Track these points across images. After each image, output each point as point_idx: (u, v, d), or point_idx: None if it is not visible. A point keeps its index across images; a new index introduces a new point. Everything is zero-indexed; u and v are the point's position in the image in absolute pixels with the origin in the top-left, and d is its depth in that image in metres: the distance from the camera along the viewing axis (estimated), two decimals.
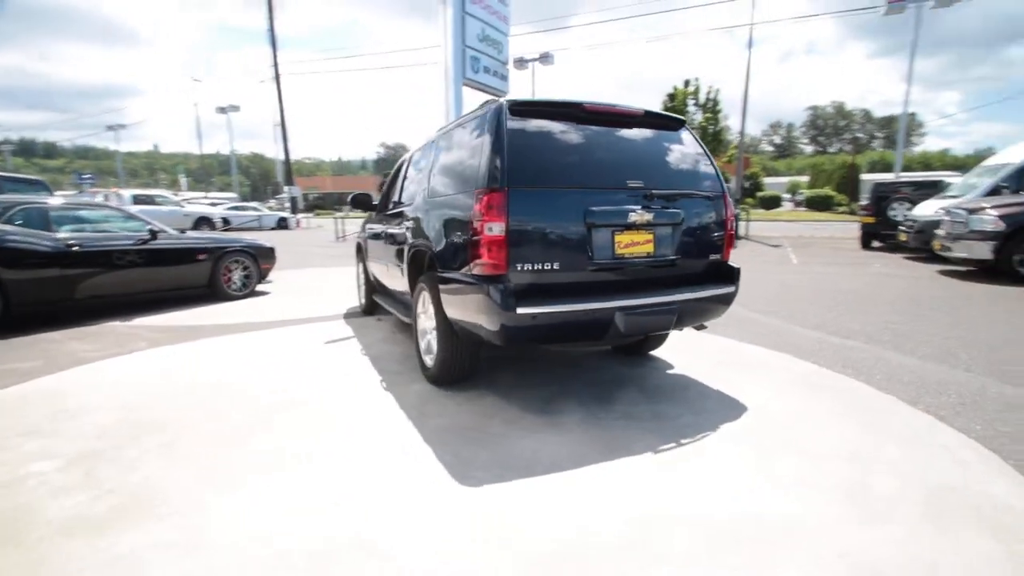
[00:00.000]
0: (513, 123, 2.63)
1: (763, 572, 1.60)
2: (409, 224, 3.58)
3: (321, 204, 52.31)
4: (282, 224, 25.75)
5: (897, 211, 11.44)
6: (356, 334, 4.75)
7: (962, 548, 1.71)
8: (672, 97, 30.84)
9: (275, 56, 26.55)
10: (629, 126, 2.98)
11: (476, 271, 2.57)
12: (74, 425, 2.71)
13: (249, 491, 2.07)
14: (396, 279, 4.12)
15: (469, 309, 2.68)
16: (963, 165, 42.80)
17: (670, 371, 3.61)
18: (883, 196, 12.00)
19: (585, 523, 1.86)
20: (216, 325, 5.19)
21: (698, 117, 30.20)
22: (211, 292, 6.56)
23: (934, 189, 11.16)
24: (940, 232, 8.25)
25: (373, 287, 5.35)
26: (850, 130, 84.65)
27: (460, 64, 15.50)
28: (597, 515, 1.91)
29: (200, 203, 25.09)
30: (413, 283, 3.63)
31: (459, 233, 2.75)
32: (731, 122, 30.99)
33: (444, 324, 3.00)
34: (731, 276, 3.08)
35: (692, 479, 2.16)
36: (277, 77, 26.57)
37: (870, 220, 12.19)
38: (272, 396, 3.15)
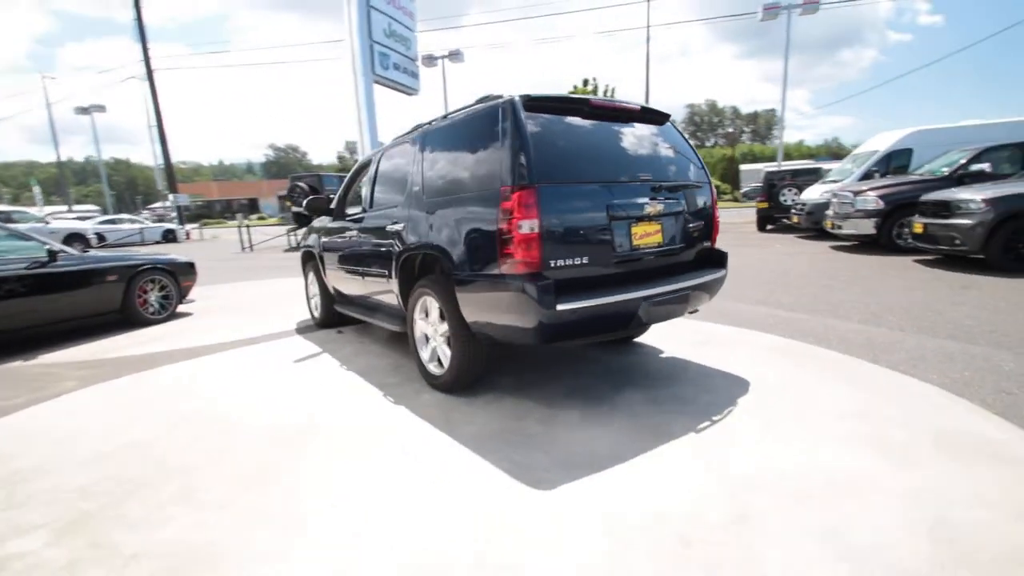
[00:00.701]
0: (530, 118, 2.59)
1: (857, 518, 1.74)
2: (396, 228, 3.38)
3: (207, 213, 47.64)
4: (169, 237, 23.11)
5: (787, 196, 12.88)
6: (324, 350, 4.41)
7: (987, 477, 1.99)
8: None
9: (145, 50, 23.65)
10: (628, 121, 3.06)
11: (507, 270, 2.50)
12: (40, 488, 2.23)
13: (322, 538, 1.84)
14: (376, 286, 3.88)
15: (498, 309, 2.61)
16: (815, 154, 49.37)
17: (662, 355, 3.78)
18: (773, 184, 13.45)
19: (686, 501, 1.90)
20: (150, 355, 4.54)
21: None
22: (124, 318, 5.73)
23: (815, 176, 12.74)
24: (829, 213, 9.43)
25: (332, 298, 4.99)
26: (723, 126, 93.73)
27: (368, 60, 14.89)
28: (691, 493, 1.96)
29: (65, 218, 21.73)
30: (406, 289, 3.44)
31: (481, 232, 2.65)
32: None
33: (460, 328, 2.88)
34: (722, 260, 3.29)
35: (742, 450, 2.28)
36: (150, 73, 23.69)
37: (764, 205, 13.61)
38: (274, 425, 2.83)
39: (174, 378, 3.84)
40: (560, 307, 2.42)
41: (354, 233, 4.12)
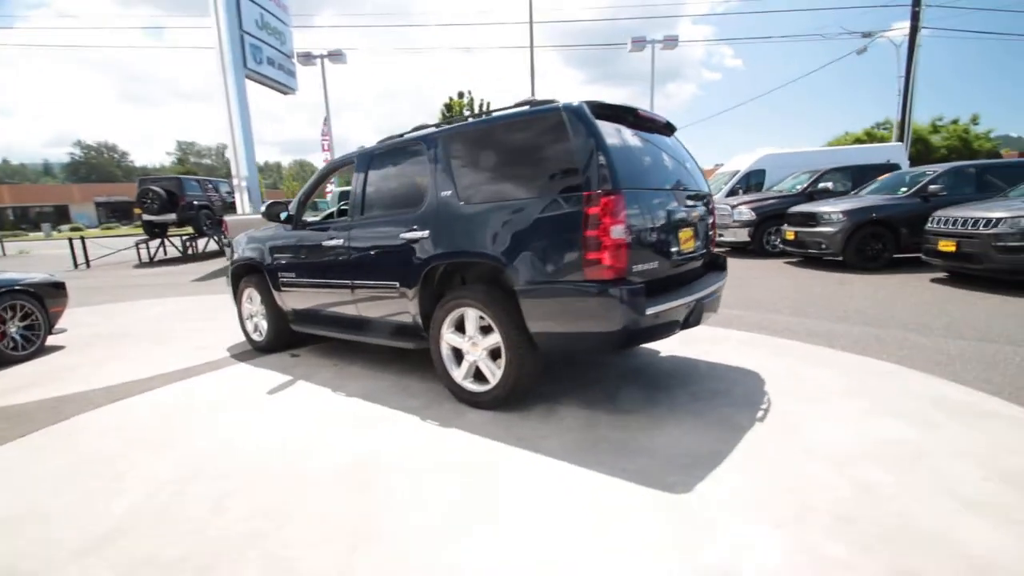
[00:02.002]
0: (601, 124, 2.59)
1: (931, 470, 2.05)
2: (416, 236, 3.10)
3: None
4: None
5: None
6: (293, 376, 3.84)
7: (996, 429, 2.48)
8: (449, 108, 32.16)
9: None
10: (656, 132, 3.20)
11: (594, 275, 2.46)
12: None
13: None
14: (374, 301, 3.50)
15: (578, 317, 2.55)
16: None
17: (661, 355, 3.99)
18: None
19: (819, 476, 2.04)
20: (50, 400, 3.52)
21: None
22: None
23: None
24: None
25: (286, 317, 4.37)
26: None
27: (239, 52, 13.41)
28: (813, 469, 2.11)
29: None
30: (429, 303, 3.17)
31: (557, 239, 2.56)
32: None
33: (518, 339, 2.75)
34: (724, 264, 3.60)
35: (811, 430, 2.53)
36: None
37: None
38: (326, 468, 2.40)
39: (132, 420, 3.05)
40: (650, 310, 2.45)
41: (337, 243, 3.67)
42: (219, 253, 14.46)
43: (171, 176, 16.60)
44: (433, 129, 3.28)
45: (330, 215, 4.64)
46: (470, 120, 3.18)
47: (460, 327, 3.07)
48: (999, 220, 5.62)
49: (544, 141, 2.68)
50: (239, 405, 3.31)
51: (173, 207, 13.19)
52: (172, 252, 15.01)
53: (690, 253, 3.06)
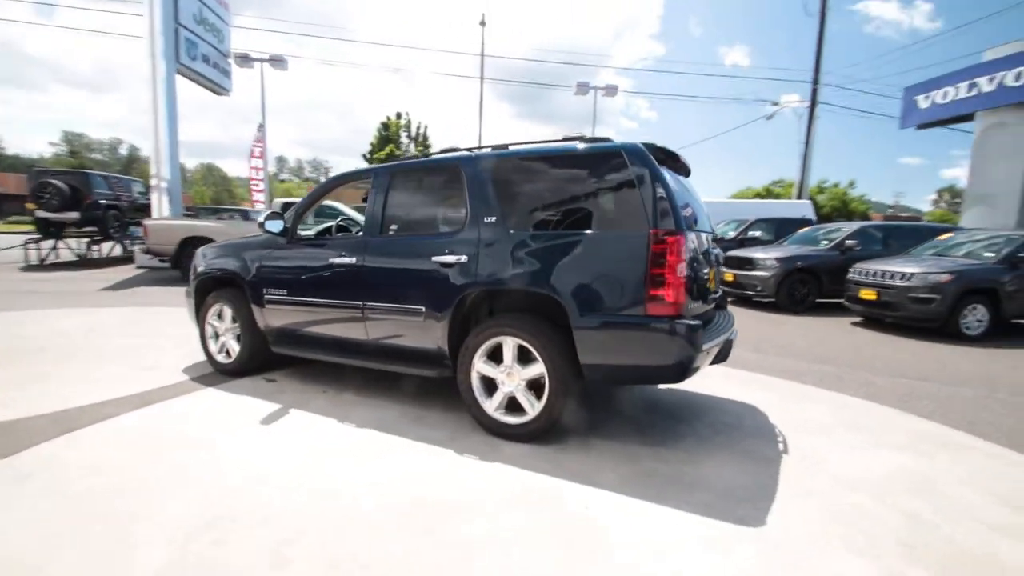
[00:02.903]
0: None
1: (948, 498, 2.31)
2: (455, 260, 3.00)
3: None
4: None
5: None
6: (281, 404, 3.49)
7: (975, 459, 2.85)
8: (386, 127, 31.76)
9: None
10: (684, 174, 3.39)
11: (656, 311, 2.53)
12: None
13: None
14: (390, 325, 3.31)
15: (637, 350, 2.61)
16: None
17: (661, 388, 4.13)
18: None
19: (865, 501, 2.20)
20: None
21: (412, 149, 32.00)
22: None
23: None
24: None
25: (266, 338, 4.00)
26: None
27: (172, 45, 12.46)
28: (860, 496, 2.27)
29: None
30: (460, 329, 3.07)
31: (619, 274, 2.60)
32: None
33: (563, 370, 2.73)
34: (725, 303, 3.85)
35: (836, 461, 2.74)
36: None
37: None
38: (376, 505, 2.19)
39: (106, 454, 2.57)
40: (705, 346, 2.56)
41: (348, 261, 3.44)
42: (127, 259, 12.88)
43: (76, 170, 14.69)
44: (471, 153, 3.24)
45: (326, 231, 4.35)
46: (514, 148, 3.17)
47: (492, 356, 2.99)
48: (912, 275, 6.54)
49: (604, 178, 2.75)
50: (234, 436, 2.95)
51: (76, 205, 11.60)
52: (66, 255, 13.13)
53: (714, 292, 3.24)
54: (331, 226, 4.32)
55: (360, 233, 3.60)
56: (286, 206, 10.68)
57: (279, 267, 3.83)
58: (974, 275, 6.38)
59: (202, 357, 4.58)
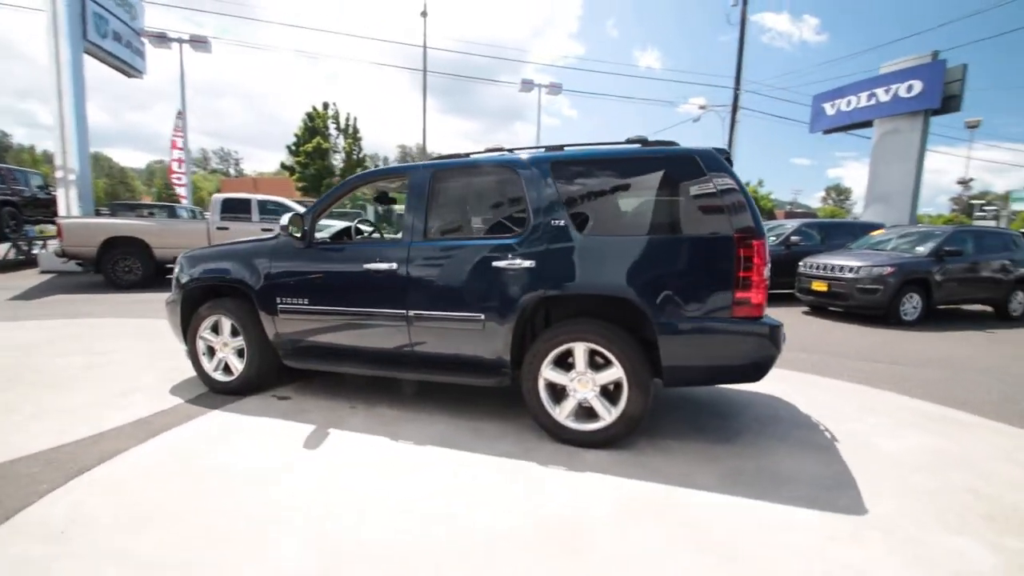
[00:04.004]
0: None
1: (989, 473, 2.60)
2: (519, 265, 2.90)
3: None
4: None
5: None
6: (311, 423, 3.20)
7: (986, 435, 3.21)
8: (312, 118, 30.02)
9: None
10: None
11: (741, 313, 2.60)
12: None
13: None
14: (439, 336, 3.14)
15: (723, 351, 2.68)
16: None
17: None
18: None
19: (933, 481, 2.41)
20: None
21: (341, 141, 30.54)
22: None
23: None
24: None
25: (275, 352, 3.64)
26: None
27: (79, 20, 11.02)
28: (926, 479, 2.48)
29: None
30: (524, 336, 2.98)
31: (706, 278, 2.64)
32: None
33: (643, 374, 2.73)
34: None
35: (876, 445, 2.98)
36: None
37: None
38: (502, 530, 2.06)
39: (139, 499, 2.20)
40: (782, 345, 2.67)
41: (386, 267, 3.20)
42: (25, 263, 11.18)
43: (5, 165, 12.47)
44: (529, 154, 3.12)
45: (343, 233, 4.01)
46: (573, 150, 3.10)
47: (557, 363, 2.93)
48: (859, 268, 7.24)
49: (678, 182, 2.77)
50: (287, 466, 2.65)
51: None
52: None
53: None
54: (348, 228, 4.00)
55: (399, 236, 3.35)
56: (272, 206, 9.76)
57: (298, 274, 3.49)
58: (910, 267, 7.19)
59: (183, 376, 4.12)
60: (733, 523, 2.17)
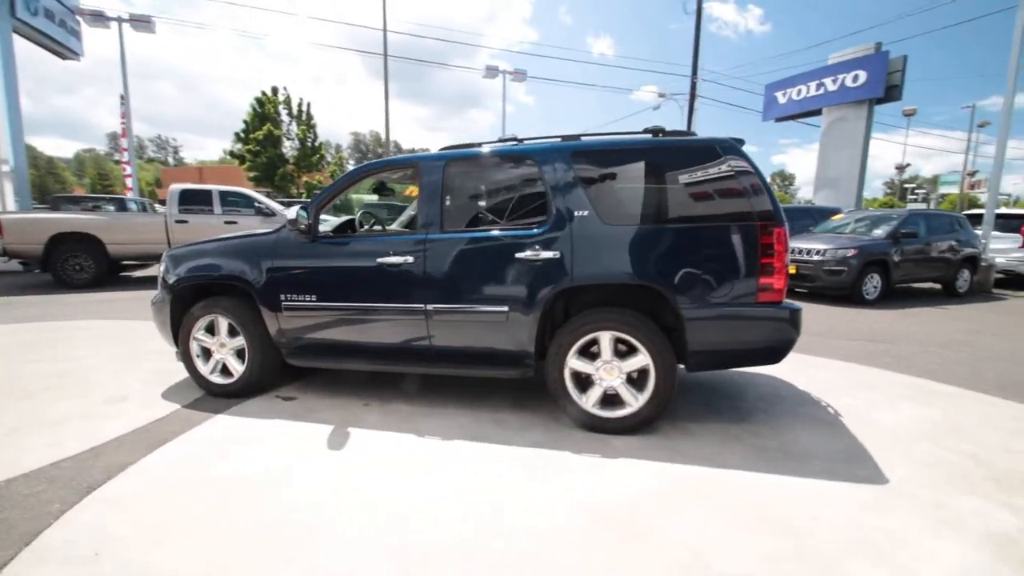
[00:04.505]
0: None
1: (987, 441, 2.84)
2: (544, 256, 2.89)
3: None
4: None
5: None
6: (326, 422, 3.11)
7: (970, 405, 3.49)
8: (261, 103, 28.64)
9: None
10: None
11: (765, 299, 2.69)
12: None
13: None
14: (459, 330, 3.10)
15: (748, 335, 2.79)
16: None
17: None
18: None
19: (938, 449, 2.61)
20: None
21: (294, 128, 29.34)
22: None
23: None
24: None
25: (277, 349, 3.51)
26: (387, 155, 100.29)
27: None
28: (930, 447, 2.68)
29: None
30: (549, 327, 2.99)
31: (732, 264, 2.72)
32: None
33: (668, 359, 2.80)
34: None
35: (877, 418, 3.18)
36: None
37: None
38: (564, 523, 2.07)
39: (172, 519, 2.08)
40: (799, 329, 2.79)
41: (401, 260, 3.12)
42: None
43: None
44: (547, 144, 3.10)
45: (345, 226, 3.85)
46: (593, 139, 3.10)
47: (582, 352, 2.96)
48: (826, 251, 7.64)
49: (700, 172, 2.81)
50: (319, 470, 2.57)
51: None
52: None
53: None
54: (352, 221, 3.85)
55: (416, 227, 3.26)
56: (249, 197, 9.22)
57: (303, 269, 3.35)
58: (871, 249, 7.64)
59: (172, 380, 3.92)
60: (774, 499, 2.26)
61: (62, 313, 6.46)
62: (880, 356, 4.76)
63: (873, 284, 7.65)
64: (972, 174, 36.23)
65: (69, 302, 7.23)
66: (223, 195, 9.43)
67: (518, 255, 2.94)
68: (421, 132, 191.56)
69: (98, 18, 13.15)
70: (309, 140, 29.39)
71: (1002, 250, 9.62)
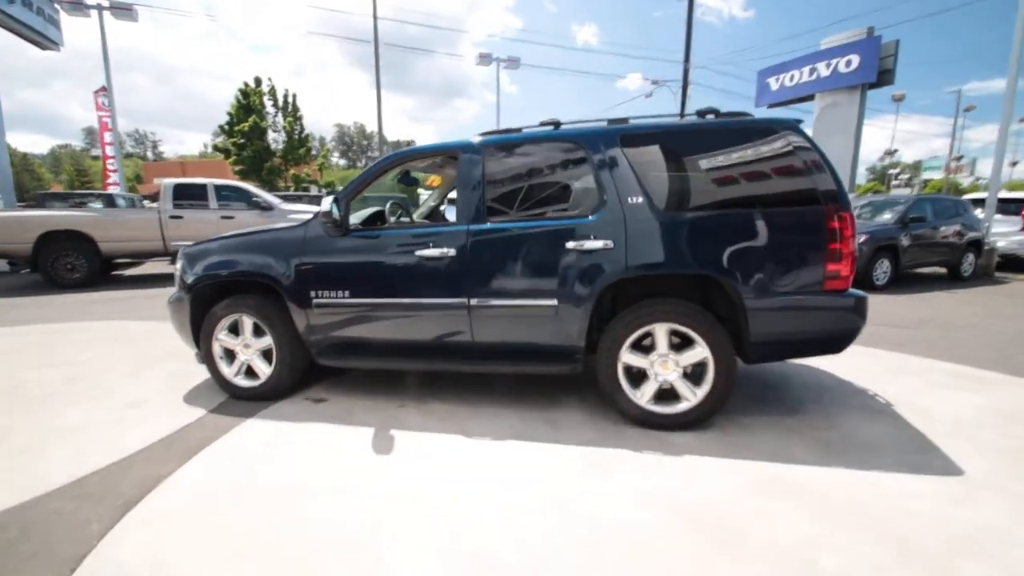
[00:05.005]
0: None
1: None
2: (595, 246, 2.76)
3: None
4: None
5: None
6: (368, 424, 2.97)
7: (998, 388, 3.45)
8: (245, 94, 27.89)
9: None
10: None
11: (833, 286, 2.60)
12: None
13: None
14: (505, 324, 2.97)
15: (811, 324, 2.70)
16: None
17: None
18: None
19: (998, 436, 2.55)
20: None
21: (280, 120, 28.65)
22: None
23: None
24: None
25: (306, 349, 3.34)
26: (372, 149, 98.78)
27: None
28: (993, 436, 2.62)
29: None
30: (596, 319, 2.87)
31: (798, 251, 2.62)
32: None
33: (728, 351, 2.70)
34: None
35: (928, 406, 3.12)
36: None
37: None
38: (667, 528, 1.96)
39: (233, 542, 1.93)
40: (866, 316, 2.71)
41: (442, 252, 2.97)
42: None
43: None
44: (595, 128, 2.95)
45: (375, 217, 3.66)
46: (643, 122, 2.96)
47: (634, 345, 2.85)
48: None
49: (761, 155, 2.70)
50: (368, 477, 2.42)
51: None
52: None
53: None
54: (381, 212, 3.67)
55: (454, 219, 3.11)
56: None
57: (336, 264, 3.19)
58: (881, 234, 7.63)
59: (190, 383, 3.76)
60: (860, 497, 2.17)
61: (58, 315, 6.19)
62: (910, 343, 4.73)
63: (883, 270, 7.65)
64: (958, 159, 36.76)
65: (62, 303, 6.94)
66: (218, 189, 9.12)
67: (568, 245, 2.80)
68: (407, 123, 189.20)
69: (77, 5, 12.55)
70: (296, 132, 28.70)
71: (1003, 234, 9.71)
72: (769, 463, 2.47)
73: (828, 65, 17.72)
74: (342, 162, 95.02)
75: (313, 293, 3.19)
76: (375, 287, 3.13)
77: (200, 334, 3.42)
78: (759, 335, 2.69)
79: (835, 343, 2.73)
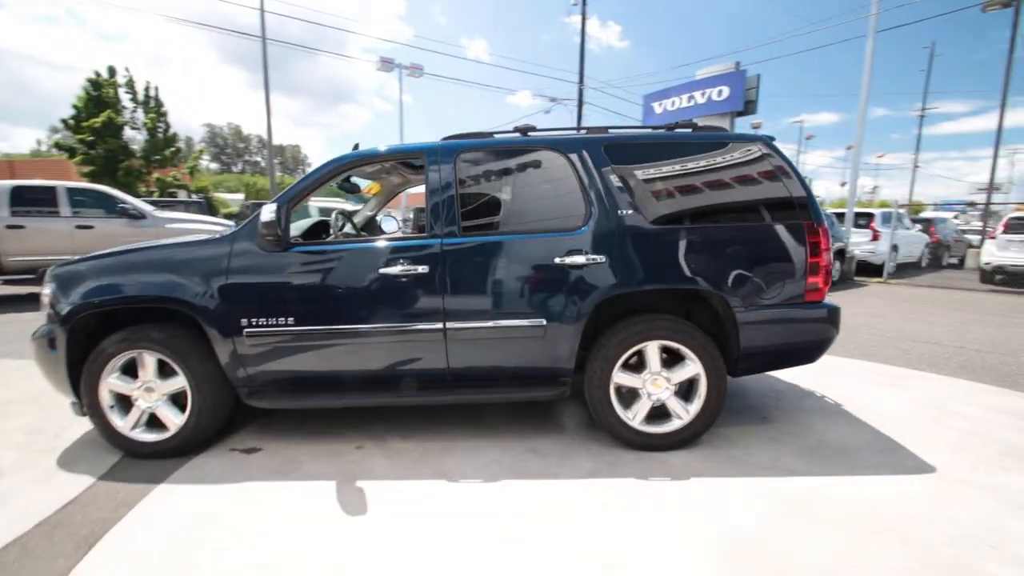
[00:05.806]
0: None
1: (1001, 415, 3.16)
2: (583, 261, 2.58)
3: None
4: None
5: None
6: (330, 478, 2.49)
7: (949, 386, 3.89)
8: (97, 85, 24.03)
9: None
10: None
11: (812, 297, 2.67)
12: None
13: None
14: (485, 348, 2.66)
15: (792, 336, 2.76)
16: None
17: None
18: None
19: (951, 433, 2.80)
20: None
21: (140, 114, 25.08)
22: None
23: None
24: None
25: (231, 389, 2.75)
26: (250, 152, 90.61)
27: None
28: (958, 433, 2.87)
29: None
30: (593, 338, 2.68)
31: (781, 264, 2.64)
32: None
33: (718, 366, 2.66)
34: None
35: (875, 406, 3.38)
36: None
37: None
38: (694, 554, 1.77)
39: None
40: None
41: (411, 270, 2.59)
42: None
43: None
44: (578, 135, 2.77)
45: (317, 229, 3.08)
46: (627, 132, 2.84)
47: (635, 363, 2.71)
48: None
49: (743, 169, 2.71)
50: (349, 551, 1.97)
51: None
52: None
53: None
54: (324, 223, 3.12)
55: (426, 230, 2.72)
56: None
57: (274, 284, 2.65)
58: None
59: (63, 442, 3.08)
60: (866, 504, 2.20)
61: None
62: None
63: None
64: None
65: None
66: (71, 193, 7.57)
67: (557, 261, 2.59)
68: (291, 127, 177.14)
69: None
70: (160, 130, 25.27)
71: (857, 243, 11.31)
72: (774, 478, 2.44)
73: (703, 94, 19.65)
74: (214, 165, 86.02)
75: (244, 320, 2.62)
76: (327, 311, 2.64)
77: (81, 378, 2.65)
78: (749, 348, 2.68)
79: (813, 352, 2.82)
